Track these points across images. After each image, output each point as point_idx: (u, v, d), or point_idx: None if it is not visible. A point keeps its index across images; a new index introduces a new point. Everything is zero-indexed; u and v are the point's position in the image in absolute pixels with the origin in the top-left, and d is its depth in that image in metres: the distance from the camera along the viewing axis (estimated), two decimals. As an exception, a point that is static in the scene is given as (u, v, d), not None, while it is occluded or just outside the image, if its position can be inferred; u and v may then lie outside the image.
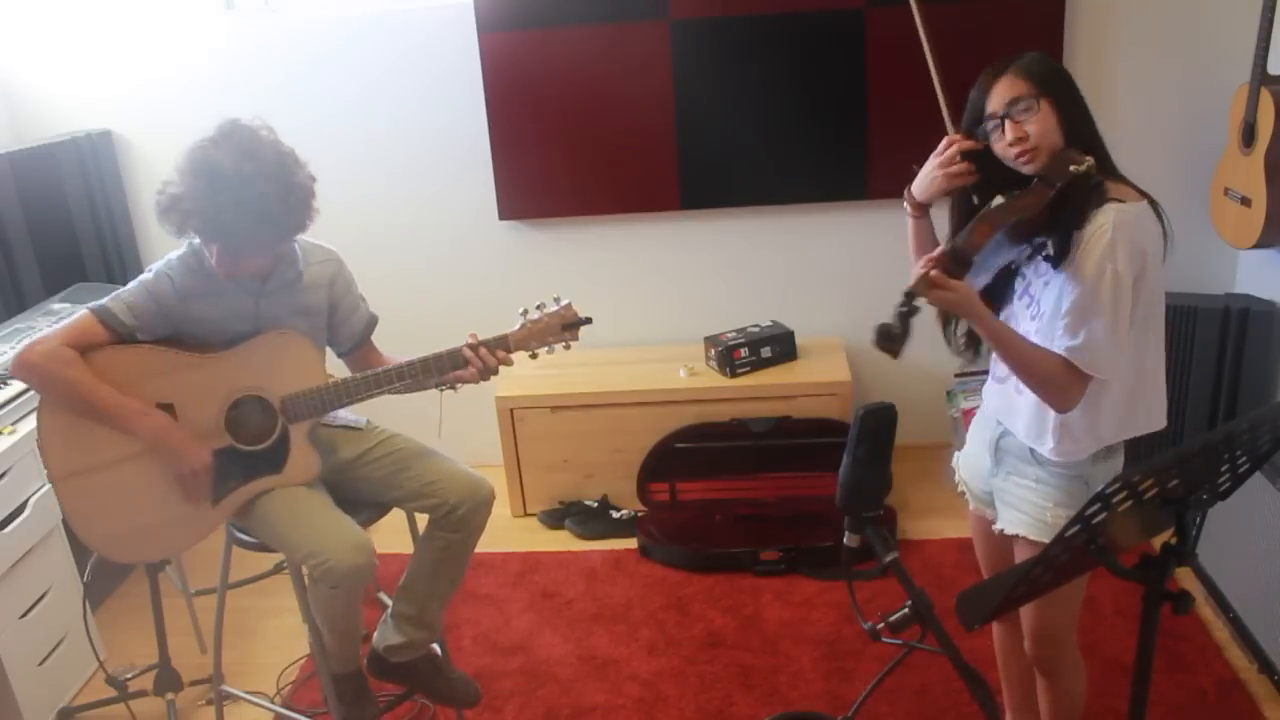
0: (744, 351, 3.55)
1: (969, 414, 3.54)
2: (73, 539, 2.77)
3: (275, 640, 3.04)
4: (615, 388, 3.56)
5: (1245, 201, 3.06)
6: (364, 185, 3.74)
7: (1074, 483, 1.82)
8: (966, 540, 2.21)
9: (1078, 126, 1.74)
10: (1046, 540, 1.79)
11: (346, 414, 2.40)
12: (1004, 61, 1.76)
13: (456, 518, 2.28)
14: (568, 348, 2.25)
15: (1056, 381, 1.71)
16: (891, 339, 1.67)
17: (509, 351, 2.20)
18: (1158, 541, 1.44)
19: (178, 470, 2.15)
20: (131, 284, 2.17)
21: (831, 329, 3.80)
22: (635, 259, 3.82)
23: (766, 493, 3.50)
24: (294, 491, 2.21)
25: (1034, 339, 1.77)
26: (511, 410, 3.57)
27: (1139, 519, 1.41)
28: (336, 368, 2.31)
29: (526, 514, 3.68)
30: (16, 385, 2.73)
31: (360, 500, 2.34)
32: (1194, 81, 3.41)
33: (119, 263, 3.74)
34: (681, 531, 3.36)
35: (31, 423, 2.63)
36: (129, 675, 2.76)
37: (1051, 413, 1.77)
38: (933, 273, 1.67)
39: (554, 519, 3.60)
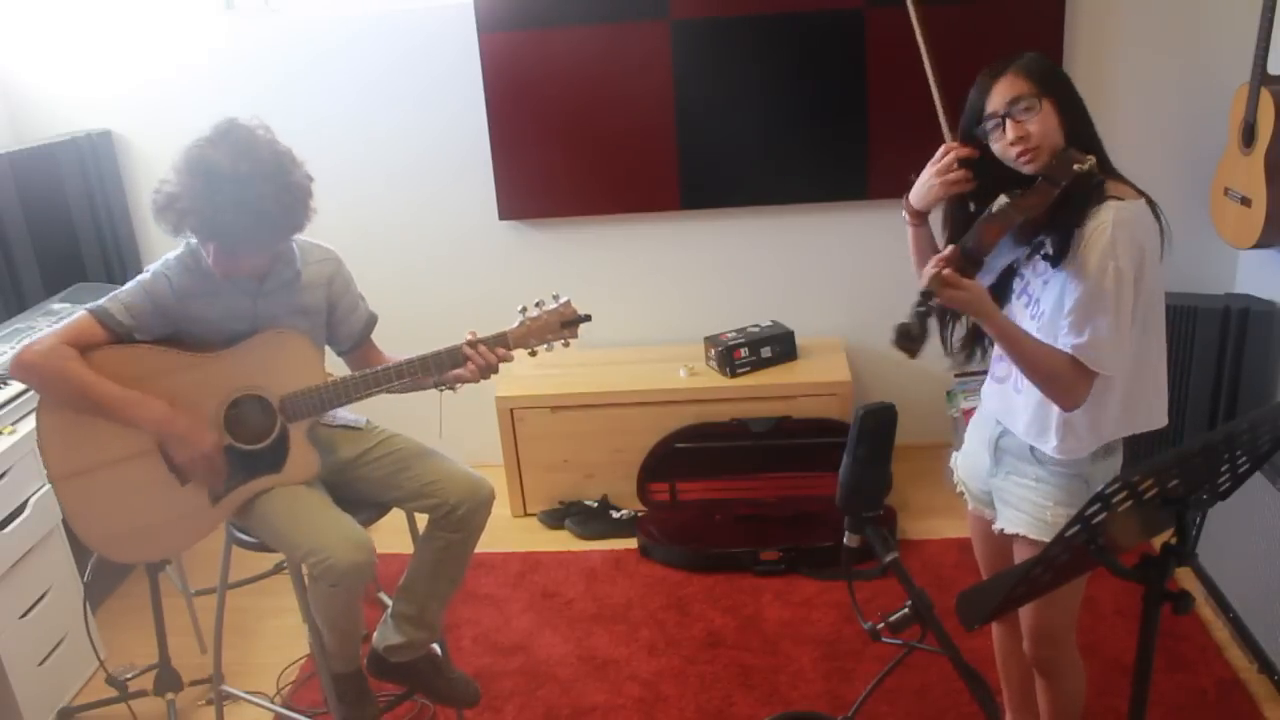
0: (744, 351, 3.55)
1: (969, 414, 3.53)
2: (73, 539, 2.77)
3: (275, 640, 3.04)
4: (615, 388, 3.56)
5: (1245, 201, 3.06)
6: (364, 185, 3.74)
7: (1074, 481, 1.82)
8: (966, 540, 2.21)
9: (1078, 127, 1.75)
10: (1046, 539, 1.79)
11: (346, 413, 2.40)
12: (1002, 62, 1.76)
13: (456, 518, 2.28)
14: (567, 345, 2.25)
15: (1063, 379, 1.72)
16: (911, 339, 1.68)
17: (508, 349, 2.20)
18: (1158, 541, 1.45)
19: (188, 456, 2.13)
20: (129, 284, 2.17)
21: (831, 329, 3.80)
22: (635, 259, 3.82)
23: (766, 493, 3.50)
24: (293, 490, 2.21)
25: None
26: (511, 410, 3.57)
27: (1139, 519, 1.41)
28: (336, 367, 2.31)
29: (526, 514, 3.67)
30: (16, 385, 2.73)
31: (360, 500, 2.34)
32: (1194, 81, 3.40)
33: (119, 263, 3.74)
34: (681, 531, 3.35)
35: (31, 423, 2.63)
36: (129, 675, 2.76)
37: (1054, 411, 1.78)
38: (945, 272, 1.68)
39: (554, 519, 3.60)
